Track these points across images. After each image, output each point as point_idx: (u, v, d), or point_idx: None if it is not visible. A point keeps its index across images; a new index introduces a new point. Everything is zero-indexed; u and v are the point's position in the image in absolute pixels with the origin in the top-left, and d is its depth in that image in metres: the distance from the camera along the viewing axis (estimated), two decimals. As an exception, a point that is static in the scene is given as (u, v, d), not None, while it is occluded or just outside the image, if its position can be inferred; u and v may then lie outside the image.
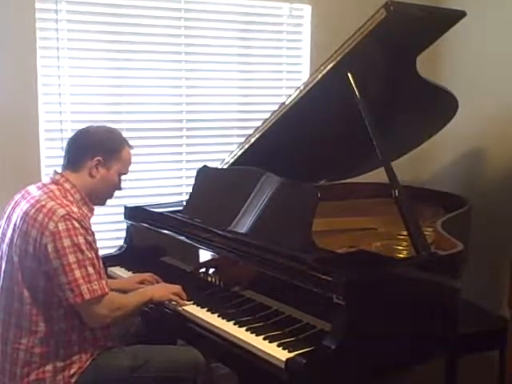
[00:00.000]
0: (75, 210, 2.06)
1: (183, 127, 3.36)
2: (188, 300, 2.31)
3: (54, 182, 2.17)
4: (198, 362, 2.17)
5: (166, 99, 3.30)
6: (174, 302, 2.29)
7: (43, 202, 2.05)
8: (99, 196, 2.25)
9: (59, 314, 2.05)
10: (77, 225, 2.01)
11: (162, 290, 2.32)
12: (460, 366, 2.64)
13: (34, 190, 2.16)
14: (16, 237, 2.05)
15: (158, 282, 2.49)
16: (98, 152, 2.18)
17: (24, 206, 2.09)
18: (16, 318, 2.06)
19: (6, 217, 2.17)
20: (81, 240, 2.00)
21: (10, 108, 2.85)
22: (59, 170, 2.23)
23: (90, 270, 2.01)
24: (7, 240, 2.10)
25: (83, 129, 2.28)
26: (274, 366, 1.86)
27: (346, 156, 2.85)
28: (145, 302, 2.26)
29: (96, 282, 2.01)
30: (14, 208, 2.15)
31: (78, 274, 1.97)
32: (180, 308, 2.28)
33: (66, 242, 1.97)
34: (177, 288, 2.32)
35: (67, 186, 2.15)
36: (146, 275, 2.53)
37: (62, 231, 1.98)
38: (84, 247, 2.00)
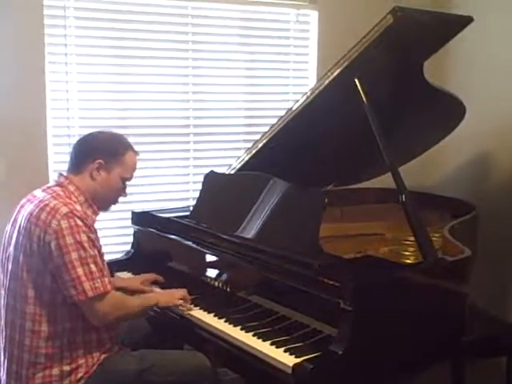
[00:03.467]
0: (78, 208, 2.08)
1: (190, 132, 3.37)
2: (195, 305, 2.32)
3: (59, 184, 2.19)
4: (205, 367, 2.17)
5: (172, 104, 3.31)
6: (180, 308, 2.30)
7: (46, 202, 2.07)
8: (101, 199, 2.24)
9: (64, 313, 2.05)
10: (79, 222, 2.02)
11: (168, 296, 2.33)
12: (467, 371, 2.63)
13: (38, 193, 2.17)
14: (21, 237, 2.07)
15: (158, 281, 2.57)
16: (99, 154, 2.19)
17: (28, 207, 2.11)
18: (20, 318, 2.07)
19: (12, 220, 2.19)
20: (83, 237, 2.01)
21: (19, 113, 2.87)
22: (64, 173, 2.24)
23: (93, 267, 2.01)
24: (13, 242, 2.11)
25: (89, 133, 2.30)
26: (281, 372, 1.85)
27: (353, 161, 2.85)
28: (149, 307, 2.29)
29: (98, 280, 2.02)
30: (19, 211, 2.17)
31: (80, 271, 1.98)
32: (186, 313, 2.28)
33: (69, 240, 1.98)
34: (182, 292, 2.33)
35: (71, 188, 2.17)
36: (148, 275, 2.60)
37: (65, 229, 1.99)
38: (86, 244, 2.01)
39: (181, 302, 2.30)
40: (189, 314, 2.28)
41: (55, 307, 2.05)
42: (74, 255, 1.98)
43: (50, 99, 2.98)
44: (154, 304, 2.29)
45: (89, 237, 2.03)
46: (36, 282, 2.04)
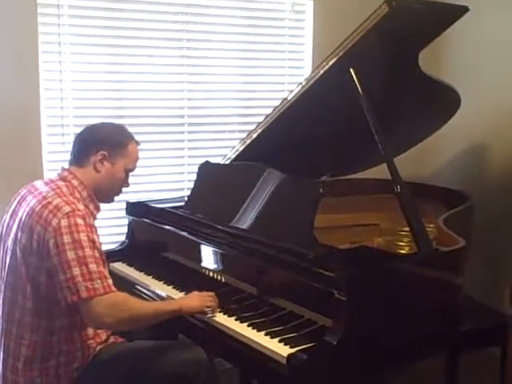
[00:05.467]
0: (81, 207, 2.04)
1: (185, 123, 3.36)
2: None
3: (62, 178, 2.15)
4: (201, 357, 2.17)
5: (167, 95, 3.30)
6: (208, 315, 2.14)
7: (50, 199, 2.03)
8: (105, 192, 2.22)
9: (61, 310, 2.03)
10: (80, 222, 1.97)
11: (193, 301, 2.15)
12: (461, 362, 2.64)
13: (41, 186, 2.14)
14: (21, 232, 2.04)
15: None
16: (102, 146, 2.17)
17: (31, 201, 2.07)
18: (19, 313, 2.05)
19: (11, 211, 2.15)
20: (82, 237, 1.96)
21: (12, 104, 2.85)
22: (64, 165, 2.22)
23: (93, 267, 1.94)
24: (12, 235, 2.08)
25: (90, 125, 2.27)
26: (276, 362, 1.86)
27: (348, 152, 2.84)
28: (169, 312, 2.10)
29: (99, 281, 1.94)
30: (20, 203, 2.13)
31: (76, 271, 1.92)
32: (209, 318, 2.13)
33: (67, 239, 1.94)
34: (211, 298, 2.16)
35: (75, 182, 2.14)
36: None
37: (64, 227, 1.95)
38: (85, 244, 1.95)
39: (208, 310, 2.13)
40: (209, 317, 2.13)
41: (52, 304, 2.02)
42: (71, 254, 1.93)
43: (44, 89, 2.96)
44: (175, 310, 2.09)
45: (89, 237, 1.97)
46: (34, 279, 2.01)
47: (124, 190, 2.32)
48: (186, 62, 3.30)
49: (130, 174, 2.29)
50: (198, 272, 2.47)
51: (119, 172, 2.22)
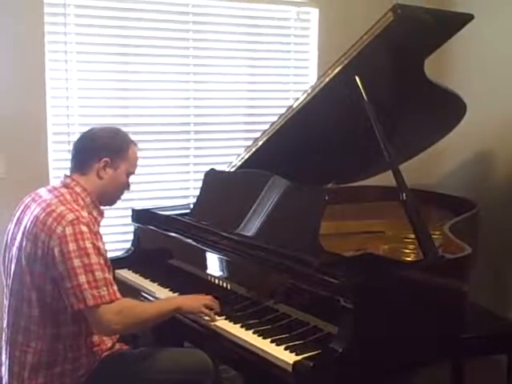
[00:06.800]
0: (85, 214, 2.04)
1: (191, 130, 3.37)
2: None
3: (65, 185, 2.16)
4: (207, 364, 2.17)
5: (173, 102, 3.32)
6: (205, 317, 2.17)
7: (53, 207, 2.03)
8: (109, 197, 2.23)
9: (66, 317, 2.03)
10: (84, 229, 1.97)
11: (193, 301, 2.19)
12: (467, 369, 2.63)
13: (44, 193, 2.14)
14: (26, 240, 2.03)
15: None
16: (104, 153, 2.17)
17: (35, 209, 2.07)
18: (25, 321, 2.04)
19: (16, 220, 2.16)
20: (88, 244, 1.96)
21: (19, 111, 2.87)
22: (67, 172, 2.22)
23: (99, 274, 1.95)
24: (17, 243, 2.08)
25: (88, 131, 2.27)
26: (281, 369, 1.85)
27: (354, 159, 2.84)
28: (170, 311, 2.13)
29: (105, 288, 1.95)
30: (24, 211, 2.13)
31: (82, 278, 1.93)
32: (212, 324, 2.15)
33: (72, 246, 1.94)
34: (209, 299, 2.20)
35: (78, 189, 2.14)
36: None
37: (69, 235, 1.95)
38: (91, 251, 1.95)
39: (207, 310, 2.16)
40: (214, 325, 2.14)
41: (58, 312, 2.02)
42: (77, 262, 1.93)
43: (50, 97, 2.98)
44: (176, 308, 2.13)
45: (94, 244, 1.98)
46: (39, 287, 2.01)
47: (130, 197, 2.33)
48: (193, 70, 3.32)
49: (131, 176, 2.30)
50: (203, 279, 2.47)
51: (121, 176, 2.23)
